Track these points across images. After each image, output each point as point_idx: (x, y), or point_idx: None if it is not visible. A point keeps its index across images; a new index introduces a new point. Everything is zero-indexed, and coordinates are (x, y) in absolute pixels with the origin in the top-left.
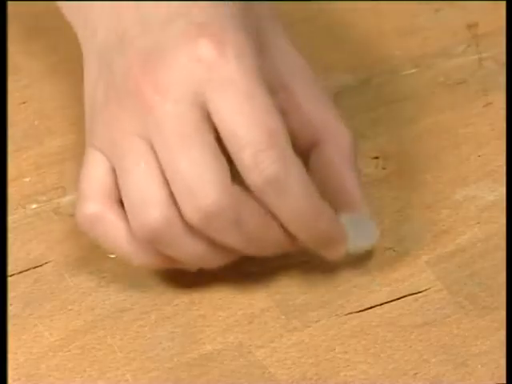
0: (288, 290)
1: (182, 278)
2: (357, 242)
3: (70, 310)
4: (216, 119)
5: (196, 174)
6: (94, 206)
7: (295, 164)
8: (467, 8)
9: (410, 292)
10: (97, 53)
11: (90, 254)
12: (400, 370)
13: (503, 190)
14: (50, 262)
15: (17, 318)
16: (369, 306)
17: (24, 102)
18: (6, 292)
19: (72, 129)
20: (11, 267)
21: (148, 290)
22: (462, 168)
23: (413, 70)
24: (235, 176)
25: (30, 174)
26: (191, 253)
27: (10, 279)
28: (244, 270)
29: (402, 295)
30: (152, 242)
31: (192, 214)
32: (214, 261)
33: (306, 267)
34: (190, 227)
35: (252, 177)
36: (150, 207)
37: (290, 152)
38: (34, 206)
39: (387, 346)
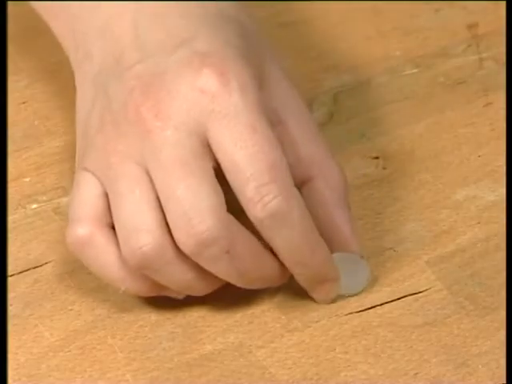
0: (288, 291)
1: None
2: (348, 283)
3: (71, 310)
4: (217, 151)
5: (192, 201)
6: (85, 228)
7: (296, 198)
8: (467, 8)
9: (411, 292)
10: (92, 77)
11: None
12: (400, 370)
13: (503, 190)
14: (50, 262)
15: (17, 318)
16: (369, 306)
17: (24, 102)
18: (5, 292)
19: (72, 129)
20: (11, 267)
21: None
22: (462, 168)
23: (413, 70)
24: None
25: (30, 174)
26: (180, 280)
27: (10, 279)
28: None
29: (402, 295)
30: (142, 267)
31: (186, 240)
32: (202, 289)
33: None
34: (181, 254)
35: (254, 210)
36: (142, 233)
37: (291, 186)
38: (34, 206)
39: (387, 346)
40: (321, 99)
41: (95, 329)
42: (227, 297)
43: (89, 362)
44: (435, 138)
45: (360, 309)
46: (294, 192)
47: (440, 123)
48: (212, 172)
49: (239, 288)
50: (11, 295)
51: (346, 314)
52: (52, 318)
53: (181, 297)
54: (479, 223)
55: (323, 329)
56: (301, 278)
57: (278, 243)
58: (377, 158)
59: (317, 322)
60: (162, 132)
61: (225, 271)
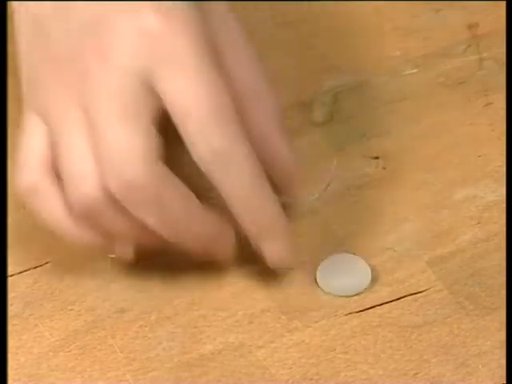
0: (288, 291)
1: (182, 277)
2: (348, 283)
3: (71, 310)
4: (162, 92)
5: (123, 146)
6: (32, 175)
7: (242, 140)
8: (467, 8)
9: (411, 292)
10: (31, 21)
11: (90, 254)
12: (400, 370)
13: (503, 190)
14: (49, 262)
15: (17, 318)
16: (369, 306)
17: None
18: (5, 292)
19: None
20: (11, 267)
21: (148, 289)
22: (462, 168)
23: (413, 70)
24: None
25: None
26: (122, 228)
27: (9, 279)
28: (244, 269)
29: (402, 295)
30: (86, 213)
31: (114, 185)
32: (145, 239)
33: (306, 267)
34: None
35: (199, 149)
36: (83, 178)
37: (237, 128)
38: None
39: (387, 346)
40: (321, 99)
41: (95, 329)
42: (227, 296)
43: (89, 362)
44: (435, 137)
45: (360, 309)
46: (240, 134)
47: (440, 123)
48: (150, 118)
49: (239, 287)
50: (11, 295)
51: (346, 314)
52: (52, 318)
53: (128, 255)
54: (479, 223)
55: (323, 329)
56: (250, 230)
57: (225, 188)
58: (377, 158)
59: (317, 322)
60: (101, 72)
61: (153, 221)
